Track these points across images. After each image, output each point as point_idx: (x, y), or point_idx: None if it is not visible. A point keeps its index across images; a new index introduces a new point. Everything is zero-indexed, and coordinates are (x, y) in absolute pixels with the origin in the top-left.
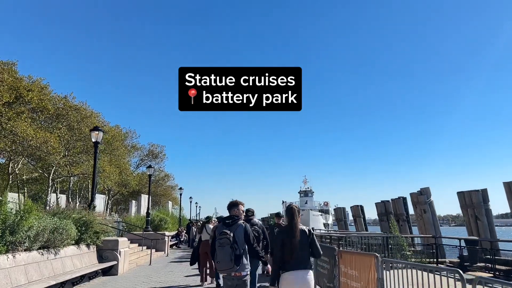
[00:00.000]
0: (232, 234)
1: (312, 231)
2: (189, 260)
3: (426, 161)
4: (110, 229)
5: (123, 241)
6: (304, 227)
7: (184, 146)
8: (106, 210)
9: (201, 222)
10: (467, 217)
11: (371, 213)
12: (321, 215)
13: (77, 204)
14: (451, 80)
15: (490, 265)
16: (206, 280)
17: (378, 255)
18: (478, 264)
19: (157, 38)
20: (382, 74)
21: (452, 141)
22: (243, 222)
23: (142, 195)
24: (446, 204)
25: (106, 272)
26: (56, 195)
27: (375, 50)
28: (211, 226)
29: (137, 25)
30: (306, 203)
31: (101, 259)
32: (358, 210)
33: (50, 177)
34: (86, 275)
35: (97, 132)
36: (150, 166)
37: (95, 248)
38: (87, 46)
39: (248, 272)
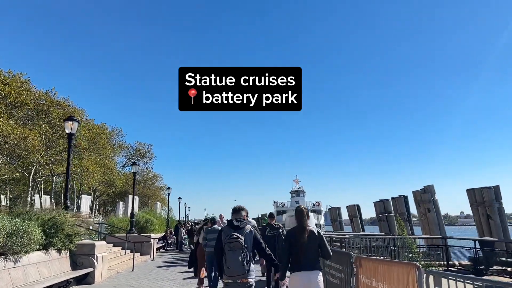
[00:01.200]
0: (243, 238)
1: (321, 232)
2: (178, 263)
3: (416, 162)
4: (88, 231)
5: (101, 244)
6: (314, 229)
7: (173, 146)
8: (92, 211)
9: (192, 223)
10: (478, 216)
11: (364, 213)
12: (313, 215)
13: (62, 206)
14: (453, 78)
15: (509, 268)
16: (203, 283)
17: (420, 265)
18: (495, 268)
19: (150, 37)
20: (383, 73)
21: (442, 142)
22: (251, 227)
23: (129, 196)
24: None
25: (81, 280)
26: (40, 196)
27: (377, 49)
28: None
29: (127, 23)
30: (297, 203)
31: (75, 265)
32: (355, 210)
33: (31, 177)
34: (55, 285)
35: (71, 123)
36: (134, 164)
37: (67, 254)
38: (73, 43)
39: (254, 278)
